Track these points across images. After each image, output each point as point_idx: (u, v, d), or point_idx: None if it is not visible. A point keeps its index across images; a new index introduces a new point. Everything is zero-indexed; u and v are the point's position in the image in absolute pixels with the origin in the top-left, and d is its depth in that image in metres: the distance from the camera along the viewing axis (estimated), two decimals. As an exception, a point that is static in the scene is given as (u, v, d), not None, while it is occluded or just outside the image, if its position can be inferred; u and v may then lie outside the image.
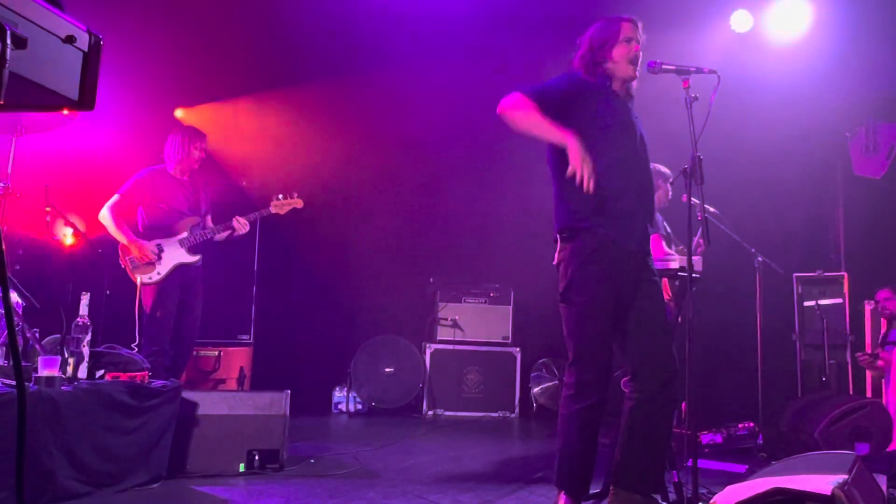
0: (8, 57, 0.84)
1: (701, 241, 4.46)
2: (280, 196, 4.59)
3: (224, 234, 4.53)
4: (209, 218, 4.63)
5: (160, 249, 4.34)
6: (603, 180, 2.58)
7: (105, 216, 4.32)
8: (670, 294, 4.40)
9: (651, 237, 4.51)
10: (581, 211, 2.68)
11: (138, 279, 4.29)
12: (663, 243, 4.48)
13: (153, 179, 4.45)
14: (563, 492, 2.74)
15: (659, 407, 2.70)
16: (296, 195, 4.64)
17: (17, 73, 0.87)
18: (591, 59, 2.83)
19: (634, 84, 2.89)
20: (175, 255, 4.36)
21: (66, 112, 1.00)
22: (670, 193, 4.63)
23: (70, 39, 0.93)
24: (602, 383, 2.70)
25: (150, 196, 4.42)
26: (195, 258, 4.42)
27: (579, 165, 2.49)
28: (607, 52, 2.79)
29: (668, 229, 4.57)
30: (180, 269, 4.37)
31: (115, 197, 4.38)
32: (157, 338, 4.28)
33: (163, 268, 4.32)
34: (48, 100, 0.93)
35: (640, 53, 2.82)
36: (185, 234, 4.39)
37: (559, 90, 2.71)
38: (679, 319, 4.52)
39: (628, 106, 2.86)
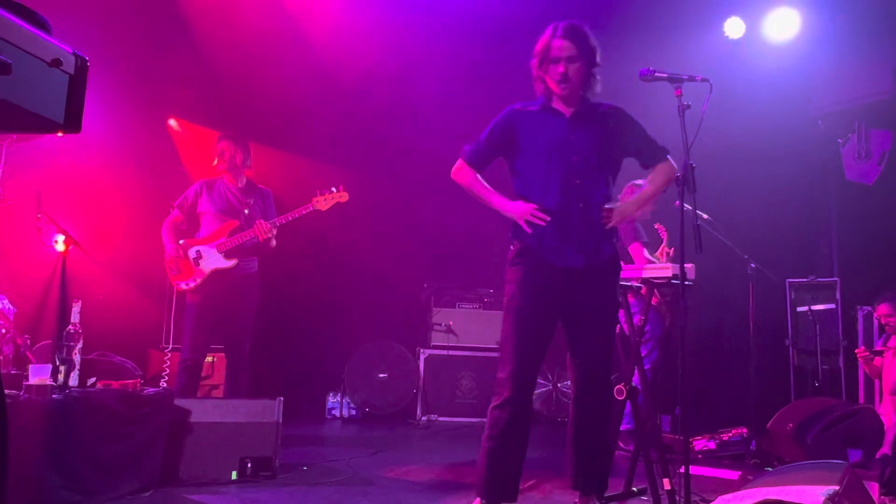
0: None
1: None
2: (325, 190, 4.23)
3: (256, 237, 4.19)
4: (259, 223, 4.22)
5: (198, 256, 4.20)
6: (537, 201, 2.77)
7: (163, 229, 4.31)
8: (658, 300, 4.44)
9: (631, 245, 4.57)
10: (516, 223, 2.85)
11: (176, 287, 4.27)
12: (645, 251, 4.51)
13: (199, 189, 4.35)
14: (478, 497, 2.71)
15: (588, 406, 2.82)
16: (341, 187, 4.27)
17: (1, 98, 0.86)
18: (535, 72, 2.84)
19: (598, 88, 2.82)
20: (211, 261, 4.19)
21: (60, 134, 1.00)
22: (649, 213, 4.68)
23: (56, 63, 0.92)
24: (515, 382, 2.68)
25: (190, 206, 4.32)
26: (230, 263, 4.19)
27: (522, 221, 2.77)
28: (542, 70, 2.79)
29: (646, 238, 4.63)
30: (217, 275, 4.19)
31: (172, 210, 4.37)
32: (185, 348, 4.18)
33: (198, 275, 4.19)
34: (34, 123, 0.93)
35: (567, 70, 2.71)
36: (222, 239, 4.21)
37: (488, 143, 2.90)
38: (669, 326, 4.56)
39: (567, 123, 2.79)
